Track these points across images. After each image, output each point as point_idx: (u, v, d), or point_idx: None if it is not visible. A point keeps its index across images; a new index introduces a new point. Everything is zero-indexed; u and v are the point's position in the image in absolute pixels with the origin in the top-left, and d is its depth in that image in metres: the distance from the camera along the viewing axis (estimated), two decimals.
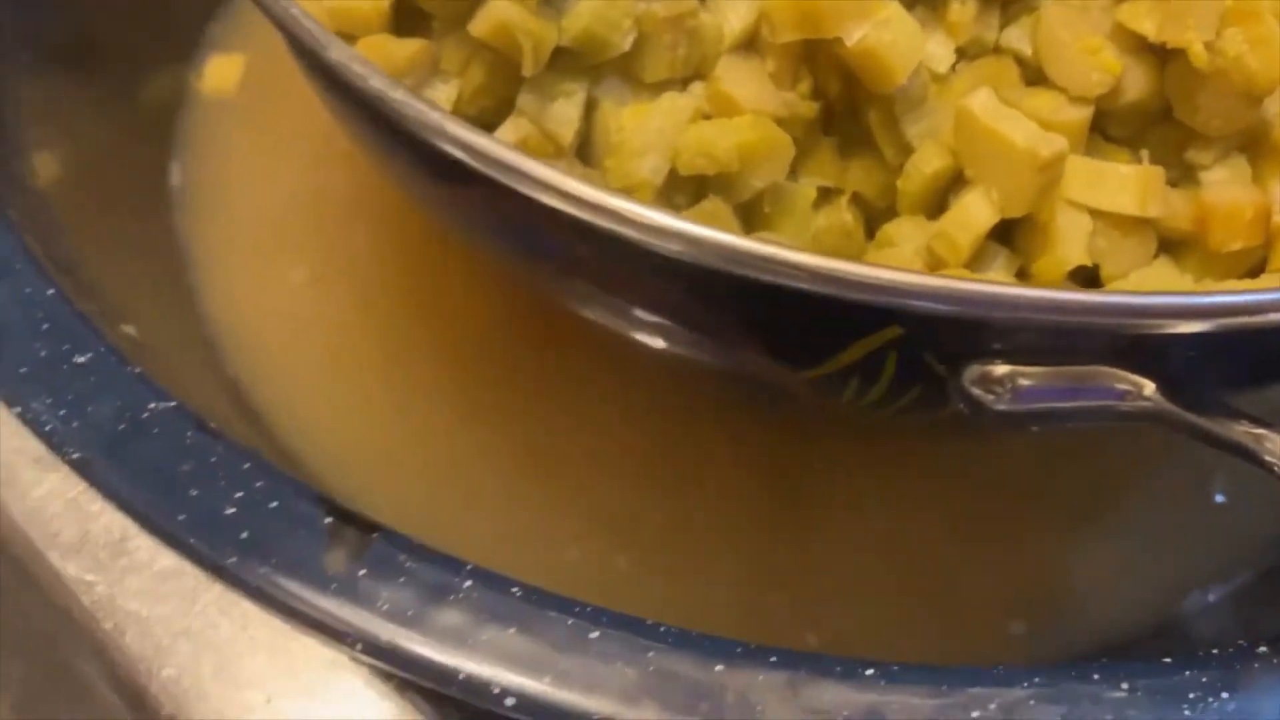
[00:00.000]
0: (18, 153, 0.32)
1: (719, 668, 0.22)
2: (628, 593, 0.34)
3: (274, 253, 0.43)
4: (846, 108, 0.28)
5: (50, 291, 0.26)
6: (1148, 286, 0.26)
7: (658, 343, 0.28)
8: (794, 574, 0.35)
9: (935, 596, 0.35)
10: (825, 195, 0.28)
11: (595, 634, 0.22)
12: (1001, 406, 0.23)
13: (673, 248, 0.22)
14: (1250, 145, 0.28)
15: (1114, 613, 0.35)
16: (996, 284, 0.22)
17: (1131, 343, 0.22)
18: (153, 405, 0.24)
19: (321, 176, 0.44)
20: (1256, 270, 0.27)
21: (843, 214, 0.28)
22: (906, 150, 0.27)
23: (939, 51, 0.27)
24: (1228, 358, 0.23)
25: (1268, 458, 0.21)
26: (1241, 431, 0.21)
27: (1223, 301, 0.21)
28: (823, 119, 0.28)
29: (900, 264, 0.27)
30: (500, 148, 0.22)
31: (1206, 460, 0.37)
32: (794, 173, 0.28)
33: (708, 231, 0.21)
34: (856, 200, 0.28)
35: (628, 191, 0.25)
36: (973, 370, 0.23)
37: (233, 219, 0.44)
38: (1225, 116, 0.27)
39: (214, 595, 0.23)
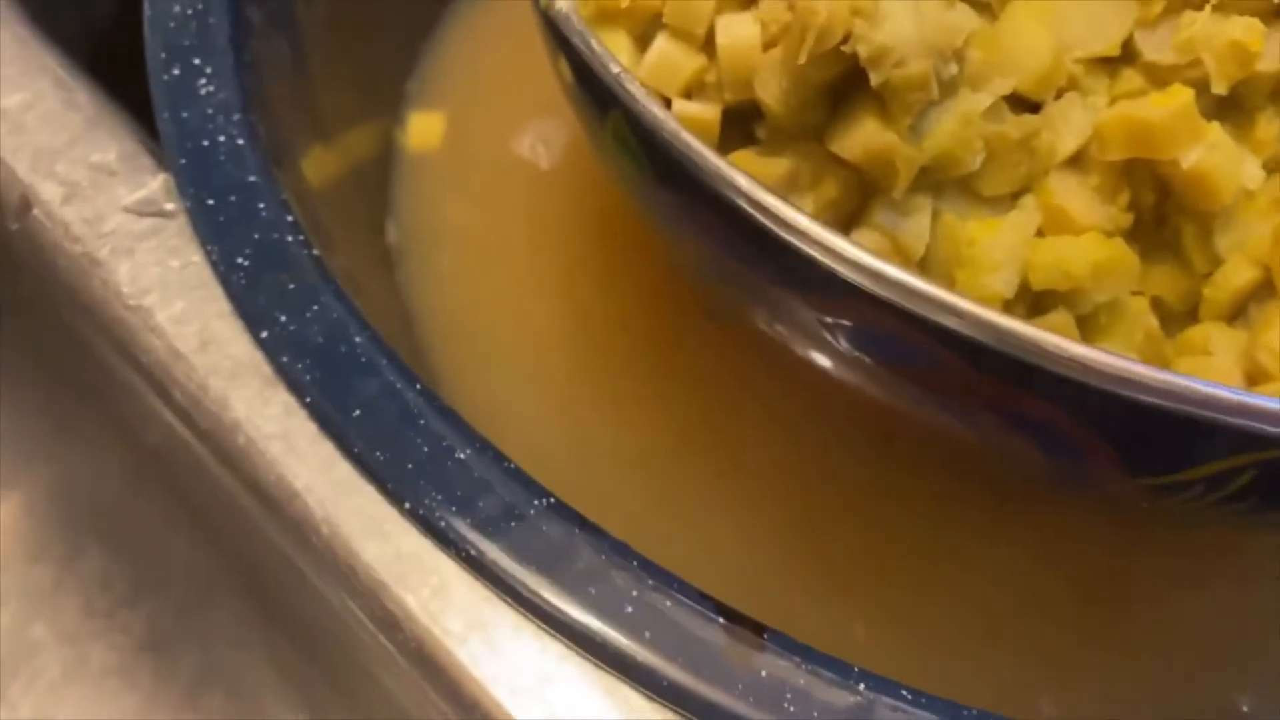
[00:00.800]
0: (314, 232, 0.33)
1: None
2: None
3: (487, 302, 0.45)
4: (1154, 217, 0.29)
5: (417, 387, 0.27)
6: None
7: (964, 433, 0.29)
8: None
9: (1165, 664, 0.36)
10: (1141, 301, 0.30)
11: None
12: None
13: (1064, 368, 0.23)
14: None
15: None
16: None
17: None
18: (538, 502, 0.26)
19: (532, 231, 0.46)
20: None
21: (1149, 318, 0.29)
22: (1216, 261, 0.29)
23: (1250, 169, 0.29)
24: None
25: None
26: None
27: None
28: (1131, 228, 0.30)
29: (1221, 372, 0.28)
30: (884, 264, 0.24)
31: None
32: None
33: (1114, 359, 0.23)
34: (1156, 304, 0.30)
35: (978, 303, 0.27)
36: None
37: (447, 273, 0.45)
38: None
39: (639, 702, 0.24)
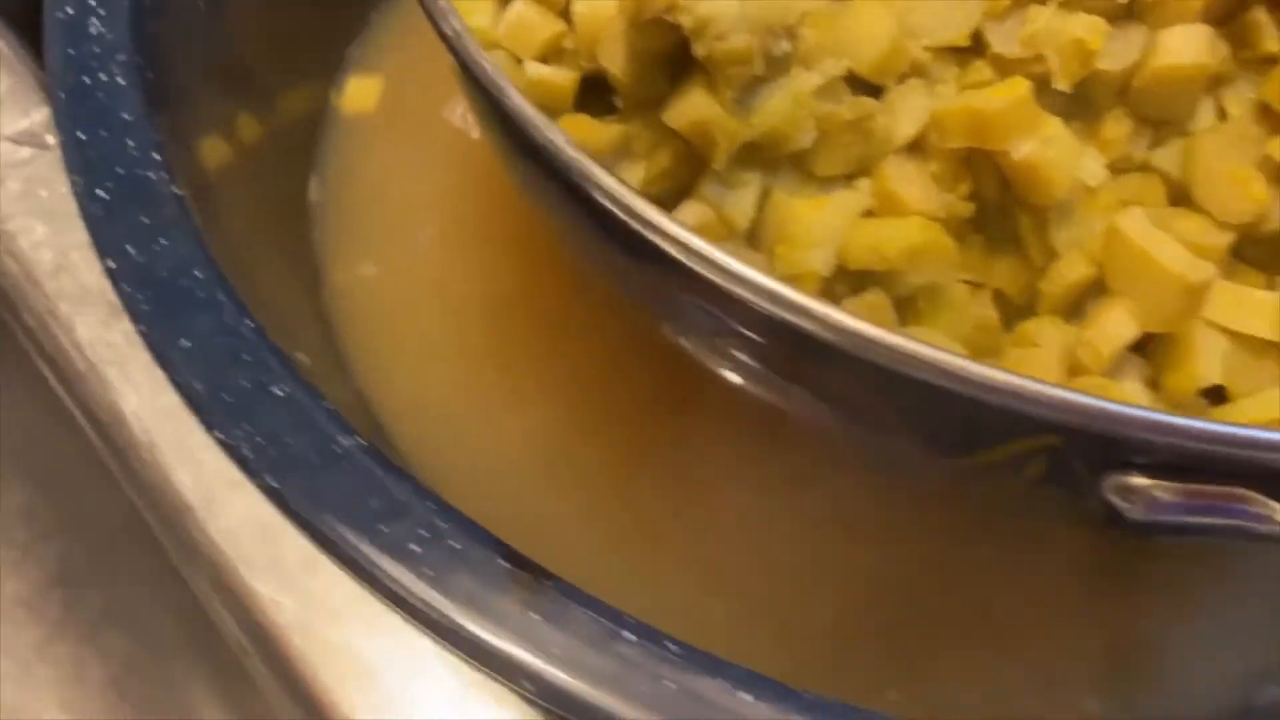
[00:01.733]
0: (199, 174, 0.34)
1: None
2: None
3: (404, 270, 0.45)
4: (998, 209, 0.30)
5: (249, 324, 0.28)
6: (1273, 407, 0.28)
7: (803, 412, 0.30)
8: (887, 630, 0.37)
9: (1023, 665, 0.36)
10: (969, 289, 0.30)
11: (748, 695, 0.24)
12: (1135, 516, 0.25)
13: (850, 344, 0.23)
14: None
15: (1188, 698, 0.37)
16: (1153, 411, 0.24)
17: (1273, 472, 0.23)
18: (344, 440, 0.26)
19: (456, 202, 0.46)
20: None
21: (986, 309, 0.30)
22: (1052, 255, 0.29)
23: (1091, 166, 0.29)
24: None
25: None
26: None
27: None
28: (974, 218, 0.30)
29: (1043, 365, 0.28)
30: (687, 232, 0.24)
31: None
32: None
33: (888, 335, 0.23)
34: (998, 296, 0.30)
35: (795, 279, 0.27)
36: (1113, 480, 0.25)
37: (366, 236, 0.46)
38: None
39: (393, 622, 0.25)
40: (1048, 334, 0.29)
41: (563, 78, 0.29)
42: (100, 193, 0.30)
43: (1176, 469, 0.24)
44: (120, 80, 0.32)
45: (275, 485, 0.26)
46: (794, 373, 0.26)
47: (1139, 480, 0.25)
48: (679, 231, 0.24)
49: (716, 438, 0.38)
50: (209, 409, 0.27)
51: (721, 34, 0.26)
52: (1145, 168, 0.29)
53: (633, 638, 0.24)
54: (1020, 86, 0.28)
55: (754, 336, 0.26)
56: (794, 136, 0.27)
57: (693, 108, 0.26)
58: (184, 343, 0.27)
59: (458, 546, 0.25)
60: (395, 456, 0.38)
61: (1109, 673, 0.36)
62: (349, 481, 0.26)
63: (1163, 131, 0.30)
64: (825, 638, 0.37)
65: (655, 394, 0.39)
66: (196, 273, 0.28)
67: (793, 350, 0.25)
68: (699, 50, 0.26)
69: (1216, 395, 0.28)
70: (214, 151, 0.38)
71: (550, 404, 0.42)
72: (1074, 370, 0.28)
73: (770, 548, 0.38)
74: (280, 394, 0.27)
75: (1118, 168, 0.30)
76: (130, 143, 0.31)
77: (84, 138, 0.31)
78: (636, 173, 0.28)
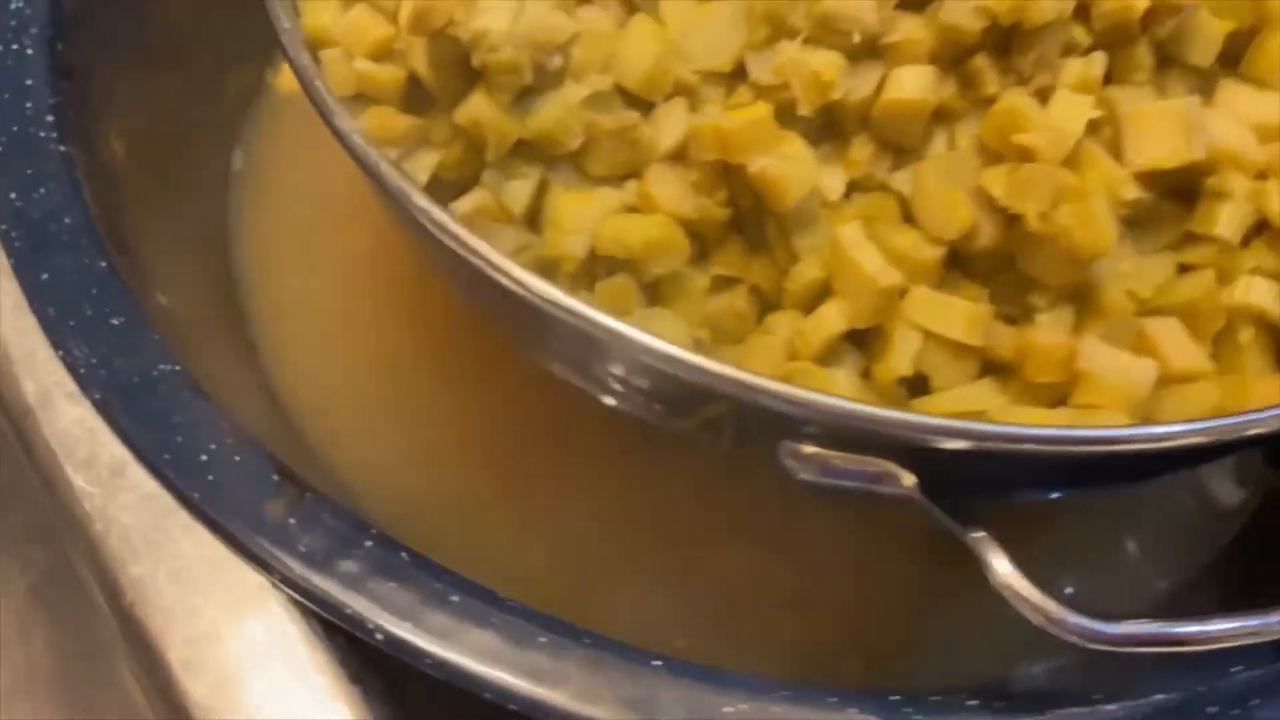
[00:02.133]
0: (102, 137, 0.39)
1: (543, 639, 0.28)
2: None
3: (312, 243, 0.50)
4: (754, 216, 0.34)
5: (103, 264, 0.33)
6: (967, 401, 0.32)
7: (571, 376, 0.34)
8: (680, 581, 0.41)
9: (795, 624, 0.41)
10: (730, 283, 0.35)
11: (455, 598, 0.29)
12: (804, 476, 0.29)
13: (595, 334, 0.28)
14: (1078, 299, 0.33)
15: (949, 667, 0.41)
16: (799, 389, 0.28)
17: (902, 445, 0.28)
18: (163, 366, 0.32)
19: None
20: (1060, 402, 0.32)
21: (739, 300, 0.34)
22: (794, 258, 0.34)
23: (833, 183, 0.33)
24: (975, 470, 0.28)
25: (989, 561, 0.27)
26: (972, 537, 0.27)
27: (965, 427, 0.27)
28: (736, 221, 0.34)
29: (770, 350, 0.33)
30: (444, 214, 0.29)
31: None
32: (707, 260, 0.34)
33: (599, 315, 0.28)
34: (755, 291, 0.35)
35: (557, 260, 0.32)
36: (786, 446, 0.29)
37: (280, 205, 0.51)
38: (1055, 273, 0.32)
39: (181, 520, 0.30)
40: (783, 325, 0.33)
41: (389, 75, 0.34)
42: None
43: (836, 440, 0.29)
44: (29, 50, 0.37)
45: (99, 399, 0.31)
46: (558, 352, 0.31)
47: (809, 448, 0.29)
48: (444, 219, 0.29)
49: (563, 425, 0.42)
50: (55, 330, 0.32)
51: (493, 47, 0.30)
52: (884, 187, 0.34)
53: (370, 545, 0.29)
54: (760, 109, 0.32)
55: (513, 309, 0.31)
56: (563, 140, 0.32)
57: (472, 108, 0.31)
58: (44, 276, 0.33)
59: (238, 459, 0.30)
60: (282, 414, 0.43)
61: (872, 639, 0.41)
62: (160, 402, 0.31)
63: (902, 157, 0.34)
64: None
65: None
66: (67, 219, 0.34)
67: (546, 332, 0.30)
68: (475, 60, 0.31)
69: (922, 387, 0.33)
70: (129, 119, 0.43)
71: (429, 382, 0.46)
72: (792, 355, 0.32)
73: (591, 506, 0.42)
74: (116, 323, 0.32)
75: (863, 186, 0.34)
76: (29, 105, 0.36)
77: None
78: (433, 159, 0.33)
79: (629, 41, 0.32)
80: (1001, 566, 0.27)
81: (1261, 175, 0.34)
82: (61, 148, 0.36)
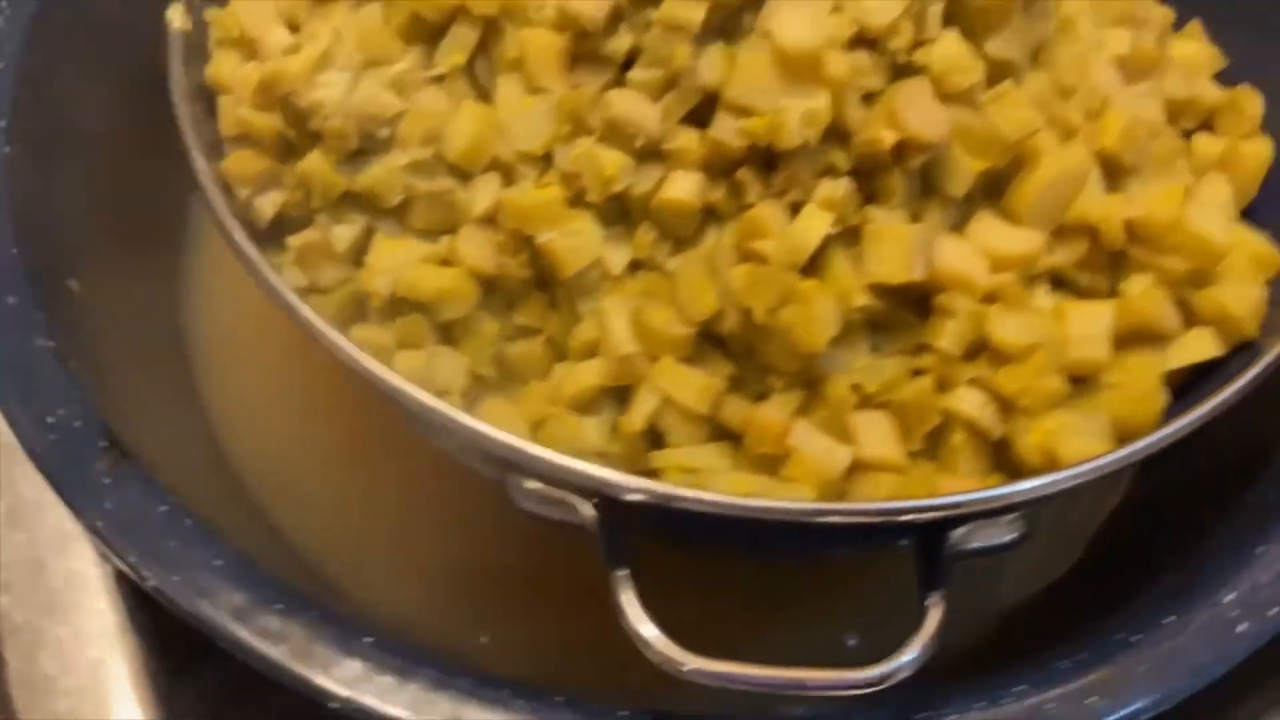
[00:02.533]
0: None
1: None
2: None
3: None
4: (553, 277, 0.40)
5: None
6: (689, 459, 0.38)
7: None
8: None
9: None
10: (530, 332, 0.41)
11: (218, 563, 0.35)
12: (520, 504, 0.35)
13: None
14: (809, 385, 0.38)
15: None
16: (521, 443, 0.34)
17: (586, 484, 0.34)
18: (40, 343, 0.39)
19: None
20: (774, 472, 0.38)
21: (535, 347, 0.40)
22: (577, 318, 0.39)
23: (617, 259, 0.39)
24: (645, 517, 0.34)
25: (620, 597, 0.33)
26: (615, 574, 0.33)
27: (641, 485, 0.33)
28: (540, 280, 0.40)
29: (539, 396, 0.39)
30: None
31: None
32: (511, 310, 0.40)
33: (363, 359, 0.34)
34: (551, 341, 0.40)
35: (366, 295, 0.38)
36: (513, 479, 0.35)
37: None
38: (785, 361, 0.38)
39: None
40: (557, 374, 0.39)
41: (264, 121, 0.40)
42: None
43: (542, 478, 0.35)
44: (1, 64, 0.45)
45: None
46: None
47: (531, 483, 0.35)
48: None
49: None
50: None
51: (327, 116, 0.37)
52: (661, 269, 0.39)
53: (165, 508, 0.36)
54: (553, 191, 0.38)
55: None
56: (385, 196, 0.38)
57: (308, 163, 0.38)
58: None
59: (77, 425, 0.37)
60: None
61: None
62: (34, 377, 0.38)
63: (680, 245, 0.39)
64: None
65: None
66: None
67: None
68: (312, 125, 0.37)
69: (661, 442, 0.38)
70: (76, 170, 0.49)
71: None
72: (552, 401, 0.38)
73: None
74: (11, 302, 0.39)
75: (647, 265, 0.40)
76: None
77: None
78: (280, 198, 0.39)
79: (456, 121, 0.39)
80: (629, 603, 0.32)
81: (989, 299, 0.39)
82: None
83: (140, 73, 0.42)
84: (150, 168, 0.44)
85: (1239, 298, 0.40)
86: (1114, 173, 0.41)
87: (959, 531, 0.35)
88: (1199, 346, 0.40)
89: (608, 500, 0.34)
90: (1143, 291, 0.40)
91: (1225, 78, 0.47)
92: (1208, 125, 0.47)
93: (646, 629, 0.32)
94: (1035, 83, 0.41)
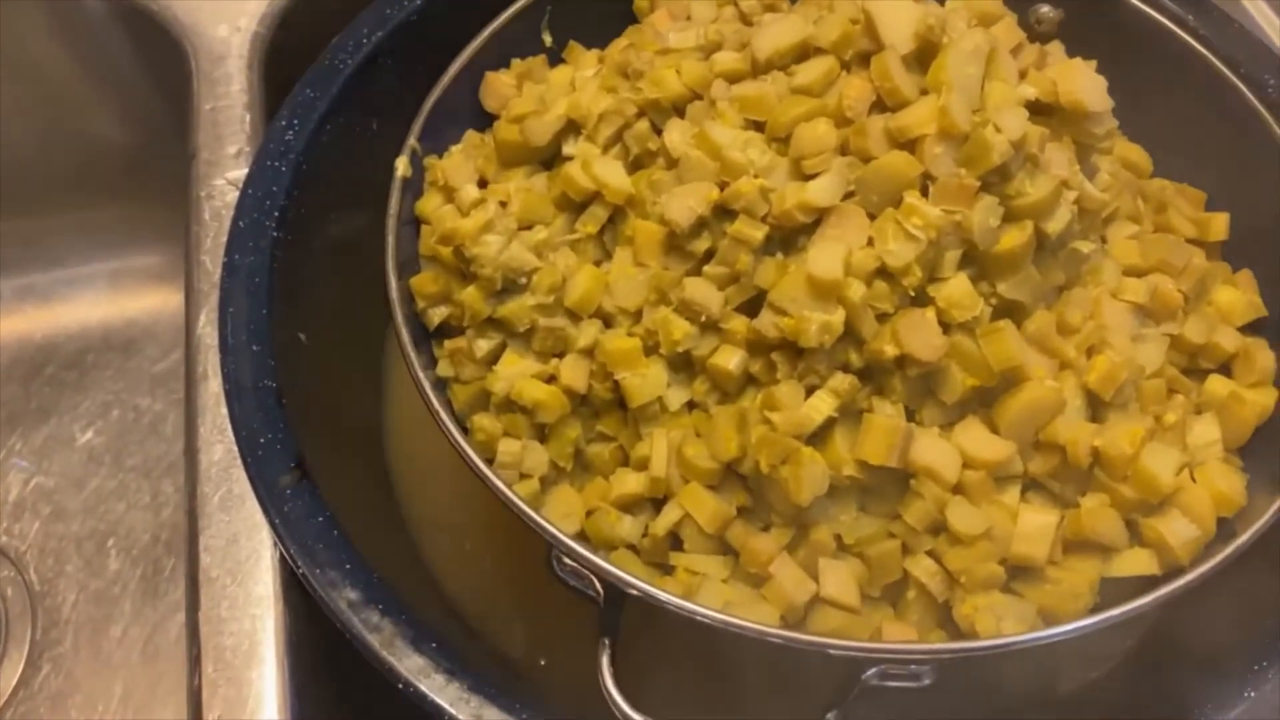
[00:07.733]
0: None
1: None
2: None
3: None
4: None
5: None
6: (694, 564, 0.49)
7: None
8: None
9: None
10: (607, 438, 0.53)
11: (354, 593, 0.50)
12: (561, 574, 0.48)
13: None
14: (800, 526, 0.49)
15: None
16: (560, 533, 0.46)
17: (601, 572, 0.46)
18: (267, 383, 0.55)
19: None
20: (758, 588, 0.48)
21: (607, 450, 0.53)
22: (639, 437, 0.52)
23: (674, 398, 0.51)
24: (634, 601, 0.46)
25: (601, 663, 0.45)
26: (602, 640, 0.45)
27: (635, 584, 0.45)
28: (621, 402, 0.53)
29: (595, 492, 0.51)
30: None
31: None
32: (596, 419, 0.53)
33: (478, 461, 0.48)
34: (621, 449, 0.53)
35: (491, 392, 0.52)
36: (558, 554, 0.48)
37: None
38: (782, 505, 0.48)
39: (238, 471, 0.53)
40: (617, 476, 0.52)
41: (447, 253, 0.55)
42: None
43: (573, 559, 0.47)
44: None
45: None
46: None
47: (566, 560, 0.48)
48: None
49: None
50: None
51: (482, 265, 0.51)
52: (709, 412, 0.51)
53: (322, 519, 0.51)
54: (633, 342, 0.50)
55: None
56: (517, 324, 0.52)
57: (465, 294, 0.52)
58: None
59: (278, 449, 0.53)
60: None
61: None
62: (258, 408, 0.54)
63: (727, 397, 0.51)
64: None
65: None
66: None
67: None
68: (472, 269, 0.51)
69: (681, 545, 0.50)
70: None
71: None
72: (603, 499, 0.51)
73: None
74: (255, 349, 0.55)
75: (700, 407, 0.51)
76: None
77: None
78: (445, 312, 0.53)
79: (577, 277, 0.52)
80: (605, 667, 0.44)
81: (957, 489, 0.48)
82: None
83: (380, 201, 0.56)
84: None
85: (1176, 532, 0.47)
86: (1096, 404, 0.50)
87: (871, 670, 0.45)
88: (1138, 563, 0.48)
89: (612, 587, 0.46)
90: (1094, 508, 0.48)
91: None
92: (1226, 368, 0.54)
93: (614, 689, 0.44)
94: (1040, 320, 0.50)
